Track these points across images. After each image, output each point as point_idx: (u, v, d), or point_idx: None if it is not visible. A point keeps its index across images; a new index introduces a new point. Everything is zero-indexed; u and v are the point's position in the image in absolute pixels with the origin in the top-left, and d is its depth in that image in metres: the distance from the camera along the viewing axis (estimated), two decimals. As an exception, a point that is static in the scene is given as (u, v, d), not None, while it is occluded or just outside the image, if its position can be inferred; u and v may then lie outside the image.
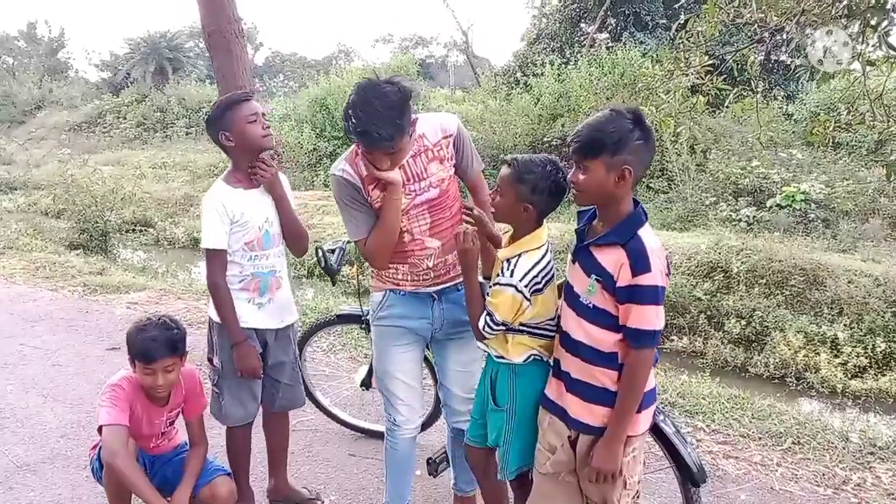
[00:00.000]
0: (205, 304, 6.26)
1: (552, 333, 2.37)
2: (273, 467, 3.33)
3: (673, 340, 8.09)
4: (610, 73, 15.26)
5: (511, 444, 2.42)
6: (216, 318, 2.89)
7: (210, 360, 3.00)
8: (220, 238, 2.77)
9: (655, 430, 2.48)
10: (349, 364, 4.97)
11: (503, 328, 2.34)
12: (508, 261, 2.31)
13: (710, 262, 8.65)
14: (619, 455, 2.14)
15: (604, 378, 2.15)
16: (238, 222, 2.79)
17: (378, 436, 3.67)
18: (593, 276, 2.10)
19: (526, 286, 2.27)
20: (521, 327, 2.36)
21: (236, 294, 2.85)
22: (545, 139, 15.36)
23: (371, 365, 3.44)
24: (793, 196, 10.81)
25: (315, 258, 3.36)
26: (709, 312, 8.19)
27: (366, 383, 3.70)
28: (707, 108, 6.03)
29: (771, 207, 10.88)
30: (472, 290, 2.41)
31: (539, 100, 16.39)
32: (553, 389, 2.32)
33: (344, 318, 3.77)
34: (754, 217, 10.76)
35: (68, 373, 4.91)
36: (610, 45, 17.58)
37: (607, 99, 14.99)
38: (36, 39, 39.19)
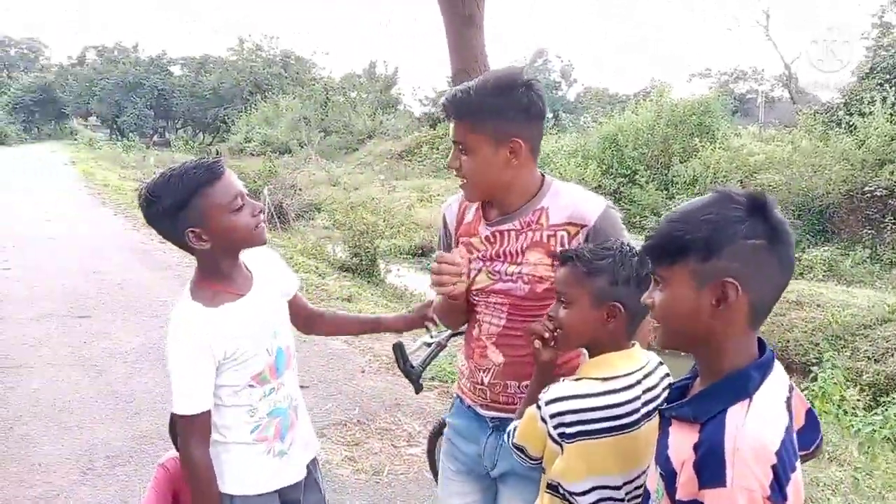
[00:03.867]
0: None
1: None
2: None
3: None
4: (960, 113, 12.62)
5: None
6: (228, 490, 1.94)
7: None
8: (200, 399, 1.83)
9: None
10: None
11: (522, 456, 1.67)
12: (562, 380, 1.64)
13: None
14: None
15: None
16: (232, 357, 1.86)
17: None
18: (658, 469, 1.30)
19: (551, 417, 1.54)
20: (557, 486, 1.62)
21: (248, 449, 1.94)
22: (867, 188, 13.19)
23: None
24: None
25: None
26: None
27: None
28: None
29: None
30: (531, 390, 1.77)
31: (864, 142, 14.16)
32: None
33: None
34: None
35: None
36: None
37: (955, 144, 12.42)
38: (374, 77, 44.21)
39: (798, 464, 1.21)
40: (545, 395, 1.57)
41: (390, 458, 4.05)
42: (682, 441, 1.24)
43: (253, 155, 34.71)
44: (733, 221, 1.20)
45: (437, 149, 31.00)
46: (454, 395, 2.22)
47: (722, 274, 1.20)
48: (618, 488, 1.58)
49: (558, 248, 1.83)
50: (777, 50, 35.07)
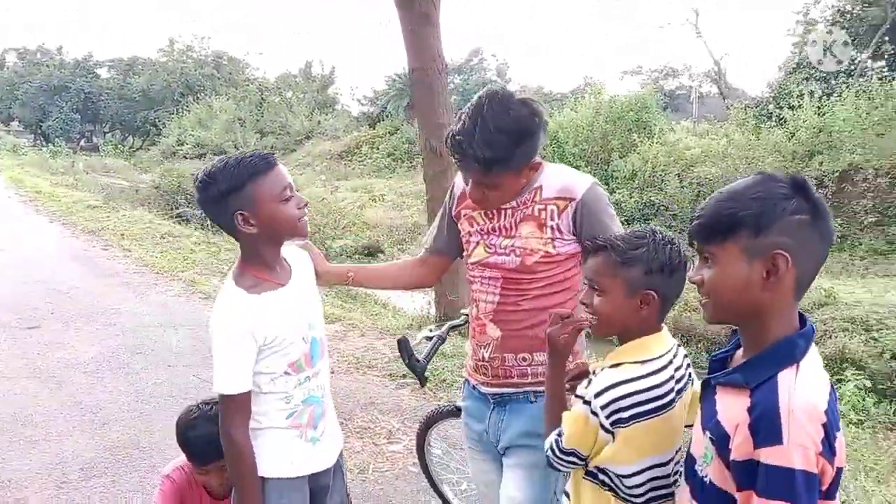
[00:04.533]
0: (385, 344, 6.15)
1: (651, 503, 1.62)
2: None
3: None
4: (882, 106, 13.29)
5: None
6: (261, 473, 1.96)
7: None
8: (241, 380, 1.88)
9: None
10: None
11: (574, 461, 1.66)
12: (595, 372, 1.68)
13: None
14: None
15: None
16: (271, 345, 1.91)
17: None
18: (708, 434, 1.37)
19: (603, 408, 1.56)
20: (597, 472, 1.65)
21: (282, 433, 1.98)
22: (798, 179, 13.77)
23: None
24: None
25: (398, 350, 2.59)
26: None
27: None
28: None
29: None
30: (551, 392, 1.76)
31: (794, 134, 14.79)
32: None
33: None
34: None
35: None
36: (885, 74, 15.38)
37: (877, 136, 13.08)
38: (311, 77, 43.73)
39: (841, 423, 1.31)
40: (591, 389, 1.60)
41: (373, 456, 4.05)
42: (732, 405, 1.32)
43: (186, 158, 33.87)
44: (781, 199, 1.28)
45: (378, 148, 30.95)
46: (464, 380, 2.35)
47: (772, 248, 1.28)
48: (665, 465, 1.63)
49: (548, 220, 2.01)
50: (706, 46, 36.07)
